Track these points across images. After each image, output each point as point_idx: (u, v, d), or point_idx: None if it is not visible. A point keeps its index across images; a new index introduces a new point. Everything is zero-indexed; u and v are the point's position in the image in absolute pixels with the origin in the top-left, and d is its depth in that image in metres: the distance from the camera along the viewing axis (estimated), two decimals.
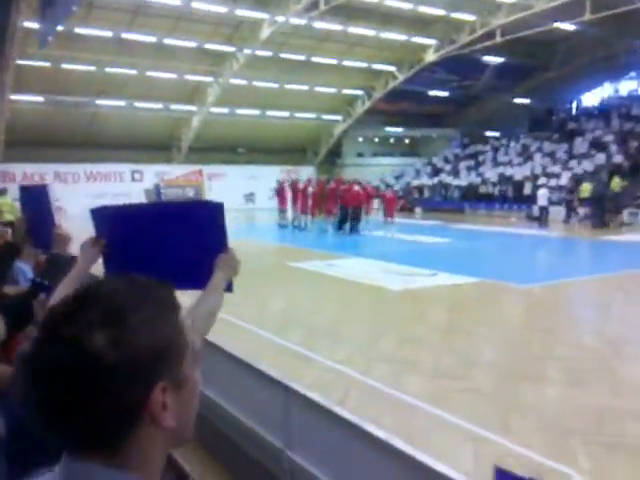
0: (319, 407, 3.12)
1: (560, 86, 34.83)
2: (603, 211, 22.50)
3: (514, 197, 28.72)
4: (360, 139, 39.72)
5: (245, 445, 3.55)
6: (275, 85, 31.09)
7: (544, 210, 23.29)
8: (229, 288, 1.94)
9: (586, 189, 23.48)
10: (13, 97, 25.50)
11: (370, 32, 27.11)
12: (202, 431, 3.88)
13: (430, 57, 29.10)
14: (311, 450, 3.18)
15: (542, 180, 26.89)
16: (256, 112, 33.04)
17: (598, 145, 28.74)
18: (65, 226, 3.32)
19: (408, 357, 6.56)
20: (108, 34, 24.32)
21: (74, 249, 3.12)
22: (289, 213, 22.88)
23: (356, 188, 20.79)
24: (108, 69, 26.71)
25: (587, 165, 27.28)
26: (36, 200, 3.41)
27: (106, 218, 2.05)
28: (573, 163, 28.18)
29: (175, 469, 3.35)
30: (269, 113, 33.49)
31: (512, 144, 34.20)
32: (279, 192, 22.82)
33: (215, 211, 1.94)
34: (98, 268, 2.01)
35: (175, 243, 1.98)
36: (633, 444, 4.36)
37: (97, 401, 0.73)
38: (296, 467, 3.19)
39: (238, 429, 3.64)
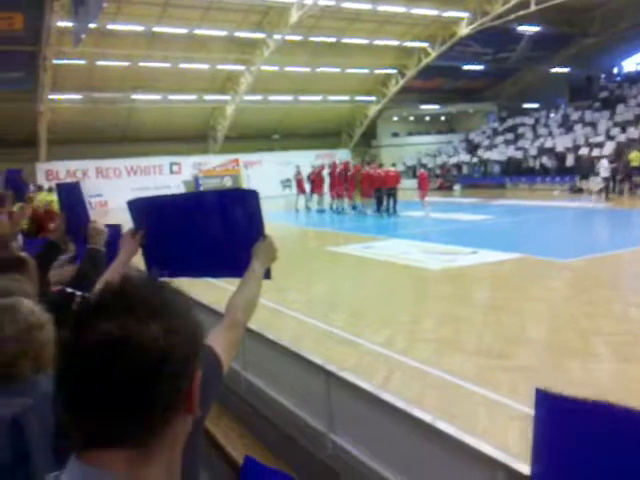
0: (361, 390, 3.14)
1: (600, 53, 33.63)
2: None
3: (556, 169, 28.02)
4: (395, 119, 39.24)
5: (289, 429, 3.60)
6: (306, 69, 30.95)
7: (607, 181, 22.08)
8: (267, 275, 1.94)
9: (636, 157, 22.69)
10: (52, 97, 26.12)
11: (400, 9, 26.62)
12: (247, 416, 3.95)
13: (463, 31, 28.43)
14: (354, 433, 3.20)
15: (584, 150, 26.16)
16: (289, 98, 33.00)
17: None
18: (104, 219, 3.41)
19: (450, 337, 6.52)
20: (139, 28, 24.58)
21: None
22: (325, 197, 23.02)
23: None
24: (141, 64, 27.04)
25: (632, 133, 26.36)
26: (71, 196, 3.51)
27: (143, 209, 2.09)
28: (616, 131, 27.27)
29: (223, 456, 3.43)
30: (302, 98, 33.39)
31: (552, 115, 33.31)
32: (314, 178, 23.09)
33: (250, 198, 1.94)
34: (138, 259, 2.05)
35: (212, 232, 2.00)
36: None
37: (152, 393, 0.74)
38: (339, 450, 3.22)
39: (282, 413, 3.69)
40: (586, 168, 24.37)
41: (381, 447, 3.02)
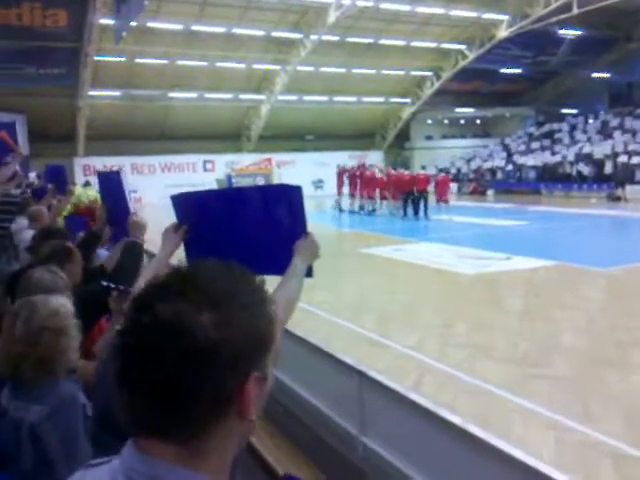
0: (393, 392, 3.10)
1: None
2: None
3: (594, 177, 27.45)
4: (429, 121, 38.92)
5: (320, 430, 3.57)
6: (342, 70, 30.92)
7: None
8: (309, 273, 1.92)
9: None
10: (91, 93, 26.62)
11: (439, 10, 26.43)
12: (278, 416, 3.94)
13: (502, 33, 28.07)
14: (385, 436, 3.16)
15: (622, 158, 25.61)
16: (324, 98, 33.02)
17: None
18: (140, 213, 3.42)
19: (483, 342, 6.42)
20: (178, 27, 24.90)
21: (152, 237, 3.22)
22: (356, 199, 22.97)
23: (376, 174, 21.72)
24: (179, 62, 27.38)
25: None
26: (113, 187, 3.50)
27: (186, 204, 2.08)
28: None
29: (253, 454, 3.42)
30: (336, 99, 33.39)
31: (590, 121, 32.65)
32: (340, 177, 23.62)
33: (294, 194, 1.91)
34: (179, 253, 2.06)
35: (254, 227, 1.98)
36: None
37: (196, 385, 0.72)
38: (370, 453, 3.18)
39: (313, 414, 3.67)
40: (624, 176, 23.83)
41: (412, 450, 2.98)
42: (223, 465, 0.79)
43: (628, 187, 24.32)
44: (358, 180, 22.48)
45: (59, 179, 6.24)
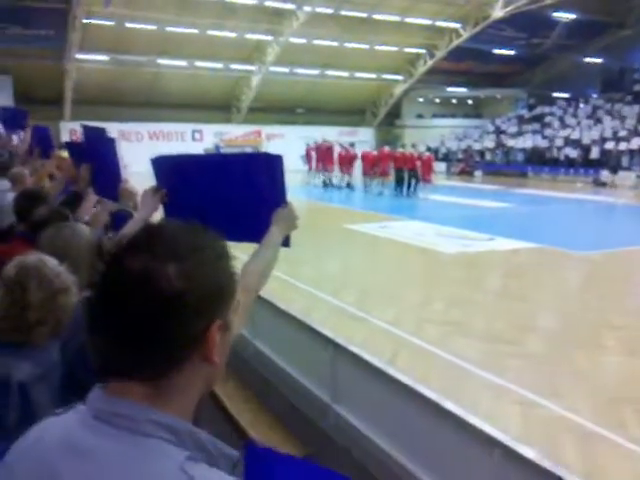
0: (366, 364, 3.18)
1: (635, 45, 32.81)
2: None
3: (581, 161, 27.61)
4: (420, 100, 38.75)
5: (293, 397, 3.66)
6: (335, 43, 30.60)
7: None
8: (286, 243, 1.92)
9: None
10: (79, 56, 26.16)
11: None
12: (253, 381, 4.03)
13: (497, 13, 27.89)
14: (357, 406, 3.26)
15: (610, 144, 25.74)
16: (315, 72, 32.73)
17: None
18: (132, 181, 3.38)
19: (460, 320, 6.54)
20: None
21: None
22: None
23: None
24: (169, 28, 26.91)
25: None
26: (101, 148, 3.42)
27: (167, 167, 2.08)
28: None
29: (227, 418, 3.51)
30: (328, 72, 33.10)
31: (581, 106, 32.70)
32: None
33: (274, 163, 1.90)
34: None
35: (234, 194, 1.97)
36: None
37: (163, 328, 0.79)
38: (341, 421, 3.28)
39: (287, 381, 3.75)
40: (617, 162, 24.02)
41: (381, 419, 3.07)
42: (188, 405, 0.86)
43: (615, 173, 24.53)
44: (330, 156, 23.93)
45: (44, 142, 6.16)
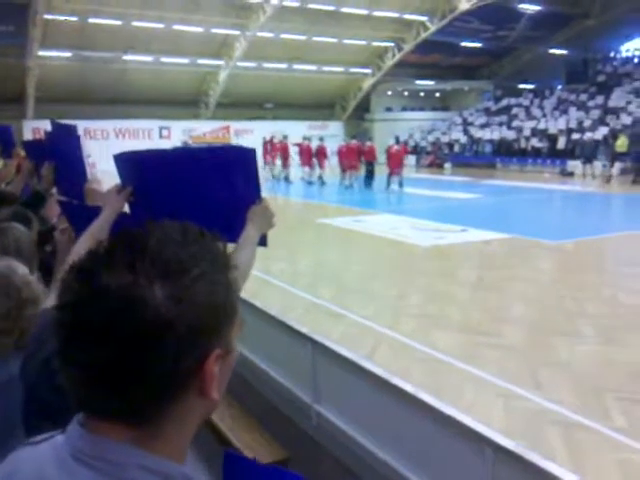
0: (346, 361, 3.10)
1: (599, 36, 33.29)
2: None
3: (548, 152, 27.98)
4: (389, 93, 38.80)
5: (275, 400, 3.57)
6: (303, 37, 30.41)
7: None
8: (263, 242, 1.83)
9: (623, 143, 22.70)
10: (41, 53, 25.52)
11: None
12: (233, 385, 3.91)
13: (464, 5, 28.02)
14: (338, 404, 3.18)
15: (576, 135, 26.11)
16: (283, 66, 32.50)
17: (637, 97, 27.64)
18: (98, 181, 3.20)
19: (437, 313, 6.52)
20: None
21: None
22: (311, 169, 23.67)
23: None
24: (135, 23, 26.40)
25: (625, 119, 26.31)
26: (65, 144, 3.25)
27: (131, 164, 1.94)
28: (610, 116, 27.18)
29: (209, 425, 3.39)
30: (297, 66, 32.91)
31: (547, 97, 33.14)
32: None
33: (248, 157, 1.79)
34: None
35: (205, 191, 1.85)
36: None
37: (150, 365, 0.65)
38: (323, 420, 3.19)
39: (268, 383, 3.66)
40: (591, 152, 24.17)
41: (365, 418, 3.00)
42: (183, 443, 0.73)
43: (578, 162, 24.81)
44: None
45: (5, 141, 5.93)
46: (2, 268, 1.79)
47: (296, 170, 24.13)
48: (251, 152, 1.79)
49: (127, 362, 0.64)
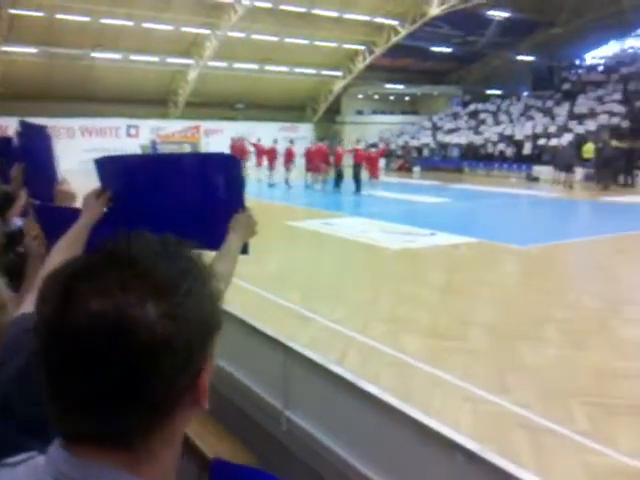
0: (317, 366, 3.08)
1: (565, 43, 34.01)
2: (610, 172, 22.01)
3: (514, 157, 28.45)
4: (360, 96, 39.02)
5: (244, 405, 3.53)
6: (274, 38, 30.36)
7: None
8: (245, 250, 1.84)
9: (589, 150, 23.16)
10: (6, 49, 24.95)
11: None
12: None
13: (434, 11, 28.32)
14: (309, 410, 3.16)
15: (542, 140, 26.57)
16: (254, 66, 32.38)
17: (601, 105, 28.31)
18: (69, 182, 3.12)
19: (406, 316, 6.55)
20: None
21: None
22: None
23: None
24: (103, 20, 26.00)
25: (590, 125, 26.91)
26: (35, 143, 3.17)
27: (112, 169, 1.89)
28: (574, 123, 27.77)
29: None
30: (268, 67, 32.83)
31: (514, 103, 33.71)
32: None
33: (231, 165, 1.80)
34: None
35: (187, 198, 1.84)
36: (632, 405, 4.37)
37: (145, 388, 0.62)
38: (294, 427, 3.17)
39: (238, 389, 3.61)
40: (570, 159, 22.48)
41: (335, 423, 2.99)
42: (173, 458, 0.70)
43: (544, 168, 25.04)
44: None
45: None
46: None
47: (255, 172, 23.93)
48: (236, 161, 1.82)
49: (124, 387, 0.61)
